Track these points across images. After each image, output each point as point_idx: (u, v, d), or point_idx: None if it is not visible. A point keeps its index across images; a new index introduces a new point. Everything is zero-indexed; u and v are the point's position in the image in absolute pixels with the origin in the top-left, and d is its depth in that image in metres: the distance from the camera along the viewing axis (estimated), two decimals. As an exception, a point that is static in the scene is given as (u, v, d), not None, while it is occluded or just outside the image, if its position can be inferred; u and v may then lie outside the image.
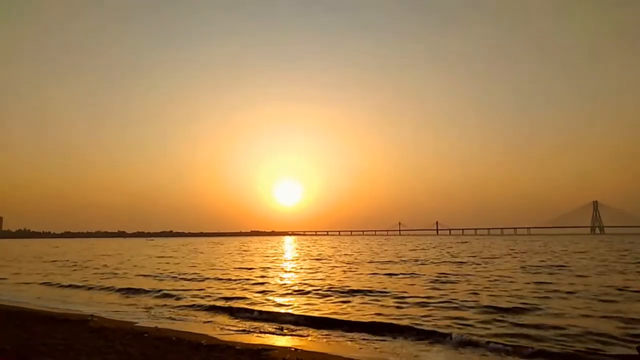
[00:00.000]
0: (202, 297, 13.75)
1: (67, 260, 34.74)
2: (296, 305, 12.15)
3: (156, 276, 20.63)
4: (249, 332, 9.21)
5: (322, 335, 8.86)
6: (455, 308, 11.10)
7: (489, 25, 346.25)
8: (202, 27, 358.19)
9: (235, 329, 9.56)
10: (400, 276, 18.76)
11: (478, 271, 20.89)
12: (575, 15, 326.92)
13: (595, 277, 17.50)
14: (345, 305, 11.89)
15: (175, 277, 20.04)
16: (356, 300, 12.74)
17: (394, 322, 9.52)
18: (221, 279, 18.72)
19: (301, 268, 25.12)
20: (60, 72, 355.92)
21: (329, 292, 14.28)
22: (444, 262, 27.74)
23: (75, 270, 25.70)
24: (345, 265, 26.30)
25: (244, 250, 50.57)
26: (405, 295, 13.20)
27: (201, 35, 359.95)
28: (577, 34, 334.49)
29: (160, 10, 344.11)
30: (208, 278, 19.24)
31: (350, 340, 8.36)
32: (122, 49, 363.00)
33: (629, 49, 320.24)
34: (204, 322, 10.34)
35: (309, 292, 14.46)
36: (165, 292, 14.90)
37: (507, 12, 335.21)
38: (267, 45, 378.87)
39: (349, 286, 15.35)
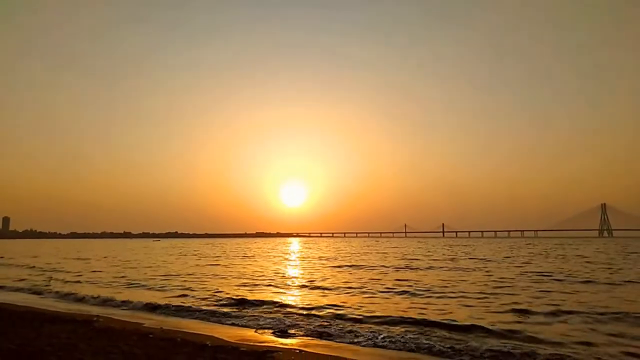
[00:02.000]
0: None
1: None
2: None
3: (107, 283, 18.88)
4: (254, 334, 9.16)
5: (326, 338, 8.78)
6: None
7: (495, 24, 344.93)
8: (208, 28, 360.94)
9: (241, 331, 9.52)
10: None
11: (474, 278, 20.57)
12: (585, 13, 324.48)
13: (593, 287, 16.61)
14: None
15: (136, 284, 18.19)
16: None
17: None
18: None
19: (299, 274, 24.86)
20: (65, 74, 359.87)
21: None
22: (436, 268, 27.42)
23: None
24: (327, 267, 26.18)
25: (234, 254, 50.26)
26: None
27: (207, 36, 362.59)
28: (585, 33, 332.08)
29: (165, 11, 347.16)
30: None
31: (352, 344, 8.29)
32: (127, 50, 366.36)
33: (636, 48, 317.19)
34: (210, 324, 10.33)
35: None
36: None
37: (513, 10, 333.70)
38: (274, 47, 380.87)
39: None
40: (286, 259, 36.51)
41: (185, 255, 44.54)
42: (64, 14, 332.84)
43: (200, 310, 11.67)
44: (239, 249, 61.73)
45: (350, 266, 26.54)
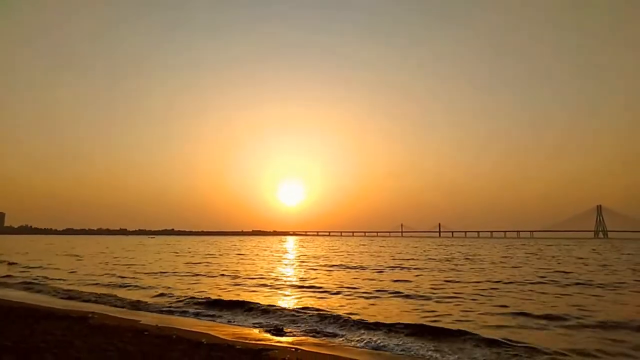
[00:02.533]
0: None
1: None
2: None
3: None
4: (249, 332, 9.19)
5: (322, 336, 8.83)
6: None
7: (491, 25, 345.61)
8: (208, 27, 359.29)
9: (236, 329, 9.54)
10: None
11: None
12: (581, 14, 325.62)
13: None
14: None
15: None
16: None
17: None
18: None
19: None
20: (63, 71, 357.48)
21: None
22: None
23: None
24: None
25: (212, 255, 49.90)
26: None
27: (206, 36, 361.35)
28: (585, 33, 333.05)
29: (164, 10, 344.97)
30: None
31: (349, 341, 8.34)
32: (126, 48, 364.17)
33: (635, 49, 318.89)
34: (206, 322, 10.34)
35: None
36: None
37: (509, 11, 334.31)
38: (272, 46, 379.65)
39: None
40: (280, 258, 36.28)
41: (176, 252, 44.34)
42: (64, 14, 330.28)
43: (192, 312, 11.52)
44: (233, 247, 61.56)
45: (344, 266, 26.40)
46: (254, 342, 8.09)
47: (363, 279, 18.70)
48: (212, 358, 6.55)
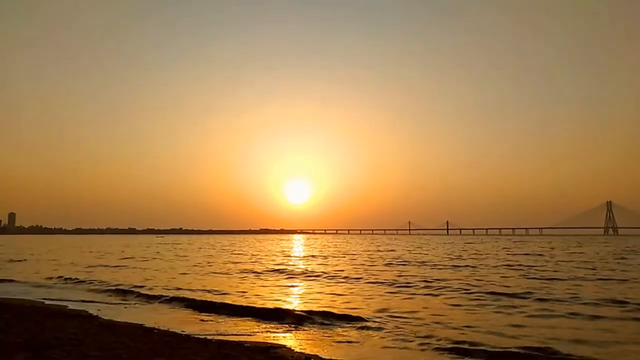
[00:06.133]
0: None
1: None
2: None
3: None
4: (258, 331, 9.18)
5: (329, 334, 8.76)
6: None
7: (499, 21, 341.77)
8: (214, 24, 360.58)
9: (244, 326, 9.54)
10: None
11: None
12: (587, 7, 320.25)
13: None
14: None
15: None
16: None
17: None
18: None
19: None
20: (70, 70, 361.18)
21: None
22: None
23: None
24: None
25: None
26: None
27: (213, 33, 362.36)
28: (590, 26, 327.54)
29: (169, 7, 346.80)
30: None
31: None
32: (133, 46, 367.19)
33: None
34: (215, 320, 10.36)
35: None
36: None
37: (517, 6, 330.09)
38: (279, 44, 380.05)
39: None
40: (285, 262, 28.42)
41: (180, 253, 44.00)
42: (68, 12, 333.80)
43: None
44: (237, 249, 61.53)
45: (353, 278, 18.39)
46: (262, 339, 8.09)
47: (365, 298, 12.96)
48: (221, 355, 6.55)
